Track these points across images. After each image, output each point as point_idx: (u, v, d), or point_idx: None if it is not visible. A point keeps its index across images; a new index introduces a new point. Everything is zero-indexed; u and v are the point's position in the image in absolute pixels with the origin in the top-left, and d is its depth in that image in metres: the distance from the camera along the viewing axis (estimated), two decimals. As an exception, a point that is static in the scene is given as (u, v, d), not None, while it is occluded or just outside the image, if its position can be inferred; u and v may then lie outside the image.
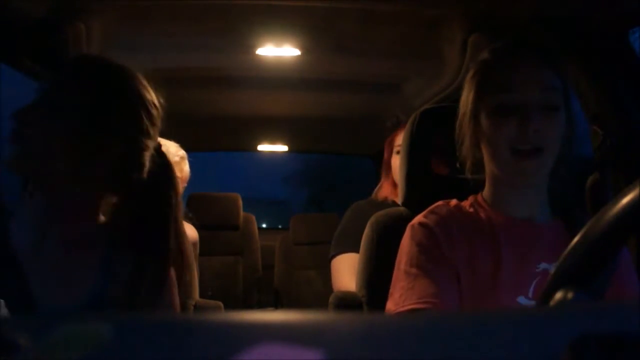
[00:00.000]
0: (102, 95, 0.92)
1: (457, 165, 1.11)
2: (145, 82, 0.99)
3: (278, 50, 1.92)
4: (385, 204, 1.91)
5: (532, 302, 0.95)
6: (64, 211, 0.94)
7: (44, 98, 0.93)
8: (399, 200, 1.35)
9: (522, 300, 0.95)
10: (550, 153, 0.96)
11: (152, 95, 0.99)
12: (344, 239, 1.85)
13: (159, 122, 1.00)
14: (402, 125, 2.00)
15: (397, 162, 1.90)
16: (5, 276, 0.86)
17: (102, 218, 0.99)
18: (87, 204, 0.97)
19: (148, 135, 0.96)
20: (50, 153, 0.89)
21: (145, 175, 0.97)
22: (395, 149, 1.94)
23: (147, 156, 0.96)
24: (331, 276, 1.82)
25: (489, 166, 1.03)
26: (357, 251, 1.75)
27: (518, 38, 1.07)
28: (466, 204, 1.07)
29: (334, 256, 1.83)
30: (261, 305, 3.25)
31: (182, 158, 1.92)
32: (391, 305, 0.97)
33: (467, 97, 1.04)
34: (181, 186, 1.93)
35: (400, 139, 1.93)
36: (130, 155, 0.94)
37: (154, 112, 0.98)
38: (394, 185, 1.97)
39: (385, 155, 2.01)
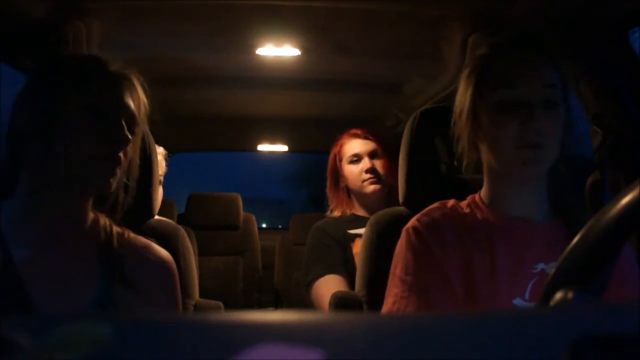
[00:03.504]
0: (91, 96, 0.91)
1: (455, 163, 1.11)
2: (136, 83, 0.98)
3: (278, 50, 1.92)
4: (344, 217, 1.90)
5: (528, 304, 0.94)
6: (55, 214, 0.93)
7: (31, 95, 0.93)
8: (400, 199, 1.34)
9: (518, 302, 0.93)
10: (551, 150, 0.95)
11: (141, 98, 0.98)
12: (316, 263, 1.77)
13: (143, 124, 0.99)
14: (345, 134, 1.98)
15: (350, 171, 1.90)
16: (3, 283, 0.85)
17: (90, 218, 0.98)
18: (76, 206, 0.96)
19: (128, 137, 0.94)
20: (39, 151, 0.89)
21: (129, 176, 0.97)
22: (348, 158, 1.91)
23: (128, 156, 0.95)
24: (314, 302, 1.73)
25: (487, 163, 1.02)
26: (333, 272, 1.72)
27: (515, 35, 1.07)
28: (464, 204, 1.05)
29: (312, 282, 1.74)
30: (261, 305, 3.25)
31: (162, 155, 1.94)
32: (385, 311, 0.97)
33: (464, 94, 1.03)
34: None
35: (349, 147, 1.92)
36: (114, 156, 0.93)
37: (141, 114, 0.97)
38: (348, 195, 1.94)
39: (332, 166, 1.97)
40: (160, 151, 1.93)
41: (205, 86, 2.43)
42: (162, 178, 1.96)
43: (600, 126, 1.30)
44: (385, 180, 1.88)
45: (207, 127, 3.13)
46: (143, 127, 1.00)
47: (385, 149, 1.92)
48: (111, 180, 0.91)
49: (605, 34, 1.27)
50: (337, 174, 1.95)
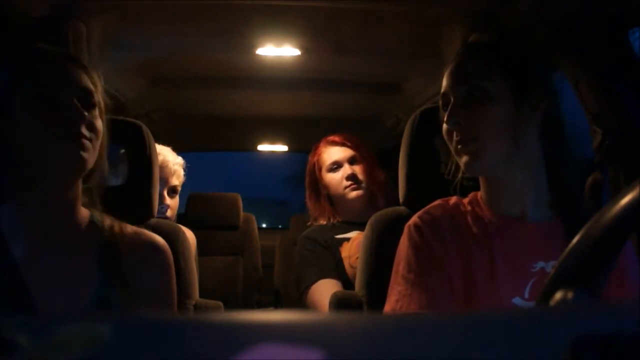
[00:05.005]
0: (37, 85, 0.91)
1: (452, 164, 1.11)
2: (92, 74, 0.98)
3: (278, 50, 1.92)
4: (329, 224, 1.90)
5: (528, 303, 0.94)
6: (45, 210, 0.94)
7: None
8: (400, 199, 1.34)
9: (517, 301, 0.93)
10: (489, 142, 0.95)
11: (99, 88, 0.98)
12: (308, 269, 1.76)
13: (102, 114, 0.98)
14: (321, 141, 1.97)
15: (331, 178, 1.90)
16: (4, 282, 0.85)
17: (84, 215, 0.99)
18: (66, 200, 0.96)
19: (81, 112, 0.92)
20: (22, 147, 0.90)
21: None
22: (328, 166, 1.91)
23: (96, 131, 0.94)
24: (310, 308, 1.71)
25: None
26: (326, 277, 1.72)
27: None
28: (466, 201, 1.05)
29: (306, 288, 1.72)
30: (261, 305, 3.25)
31: (180, 165, 1.93)
32: (388, 309, 0.97)
33: None
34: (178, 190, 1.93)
35: (328, 155, 1.91)
36: (74, 133, 0.92)
37: (98, 88, 0.97)
38: (331, 203, 1.94)
39: (311, 175, 1.96)
40: (178, 161, 1.92)
41: (205, 86, 2.43)
42: (179, 188, 1.93)
43: (600, 126, 1.29)
44: (366, 185, 1.89)
45: (207, 127, 3.13)
46: (104, 99, 0.98)
47: (363, 155, 1.93)
48: (82, 155, 0.90)
49: (605, 34, 1.27)
50: (317, 183, 1.95)
